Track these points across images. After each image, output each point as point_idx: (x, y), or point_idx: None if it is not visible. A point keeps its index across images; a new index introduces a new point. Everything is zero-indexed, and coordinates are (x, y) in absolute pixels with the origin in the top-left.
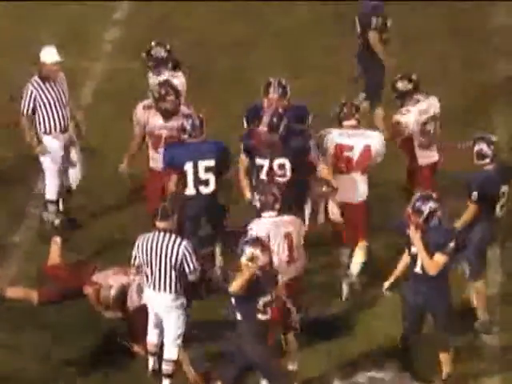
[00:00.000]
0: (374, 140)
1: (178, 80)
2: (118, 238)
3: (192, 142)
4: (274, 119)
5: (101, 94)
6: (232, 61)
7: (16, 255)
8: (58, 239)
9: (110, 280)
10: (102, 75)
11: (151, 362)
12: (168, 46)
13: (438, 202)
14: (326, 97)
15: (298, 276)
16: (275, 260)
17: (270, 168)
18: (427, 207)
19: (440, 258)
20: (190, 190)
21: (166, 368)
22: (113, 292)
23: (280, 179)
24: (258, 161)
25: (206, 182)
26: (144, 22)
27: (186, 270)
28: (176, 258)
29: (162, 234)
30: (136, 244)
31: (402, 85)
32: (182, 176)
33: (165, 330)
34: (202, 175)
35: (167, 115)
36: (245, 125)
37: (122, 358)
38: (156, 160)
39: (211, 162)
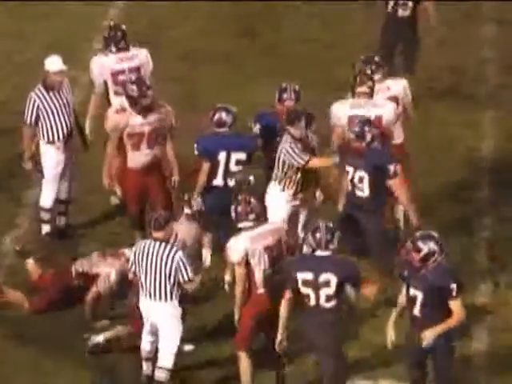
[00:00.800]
0: (385, 110)
1: (144, 54)
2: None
3: (227, 133)
4: (365, 127)
5: (88, 103)
6: (219, 73)
7: (2, 265)
8: (29, 261)
9: (102, 269)
10: (91, 84)
11: (145, 367)
12: (123, 26)
13: (440, 244)
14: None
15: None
16: (256, 275)
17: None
18: (425, 245)
19: (457, 304)
20: (218, 181)
21: (160, 376)
22: (113, 278)
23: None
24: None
25: (234, 175)
26: (132, 31)
27: (181, 279)
28: (170, 268)
29: (157, 243)
30: (133, 250)
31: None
32: (213, 166)
33: (161, 339)
34: (233, 167)
35: (147, 111)
36: (255, 131)
37: (112, 369)
38: (135, 160)
39: (243, 156)
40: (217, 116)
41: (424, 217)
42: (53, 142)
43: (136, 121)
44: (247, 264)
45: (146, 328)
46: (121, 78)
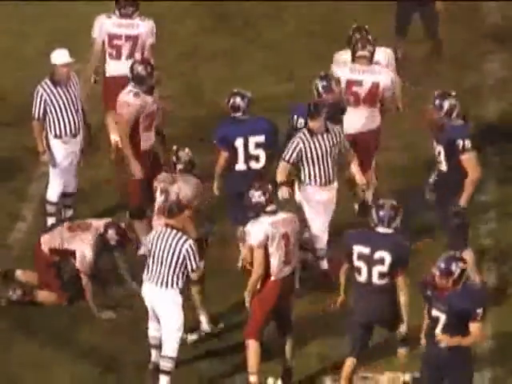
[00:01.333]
0: (383, 76)
1: (148, 26)
2: None
3: (243, 118)
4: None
5: (94, 96)
6: (221, 68)
7: (8, 257)
8: (18, 272)
9: (76, 247)
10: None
11: (153, 355)
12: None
13: (465, 261)
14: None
15: (291, 275)
16: (272, 261)
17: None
18: (457, 267)
19: (477, 327)
20: (241, 166)
21: (164, 365)
22: (89, 256)
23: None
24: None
25: (257, 158)
26: None
27: (188, 267)
28: (179, 255)
29: (169, 230)
30: (151, 233)
31: None
32: (233, 152)
33: (163, 326)
34: (253, 151)
35: (152, 89)
36: (296, 124)
37: (114, 362)
38: (148, 141)
39: (261, 138)
40: (232, 101)
41: None
42: (60, 137)
43: (149, 101)
44: (265, 249)
45: (151, 315)
46: (116, 42)
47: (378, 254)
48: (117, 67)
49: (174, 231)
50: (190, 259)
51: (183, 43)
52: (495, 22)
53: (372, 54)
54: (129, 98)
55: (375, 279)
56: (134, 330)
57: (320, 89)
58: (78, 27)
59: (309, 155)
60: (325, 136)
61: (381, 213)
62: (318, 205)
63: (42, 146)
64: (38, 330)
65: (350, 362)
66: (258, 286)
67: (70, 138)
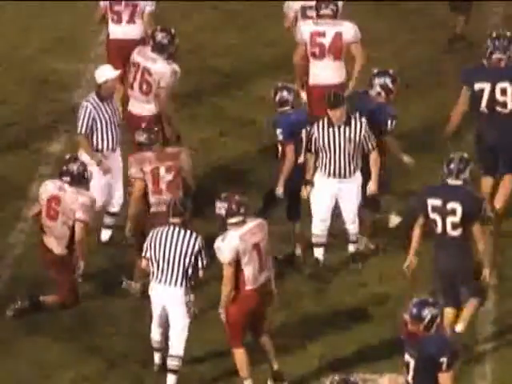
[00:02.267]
0: (345, 28)
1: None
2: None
3: (291, 111)
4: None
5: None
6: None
7: (10, 257)
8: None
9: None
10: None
11: (156, 357)
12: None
13: (438, 307)
14: None
15: (269, 281)
16: (246, 272)
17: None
18: (428, 313)
19: (445, 378)
20: (302, 158)
21: (172, 364)
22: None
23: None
24: (478, 85)
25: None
26: None
27: (199, 264)
28: (192, 252)
29: (176, 228)
30: (149, 237)
31: None
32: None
33: (171, 326)
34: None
35: (172, 57)
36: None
37: (120, 358)
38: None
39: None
40: (278, 96)
41: None
42: (102, 151)
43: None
44: (237, 262)
45: (155, 319)
46: (116, 8)
47: (449, 205)
48: (117, 30)
49: (182, 229)
50: (201, 256)
51: (188, 40)
52: None
53: (335, 12)
54: (166, 64)
55: (449, 230)
56: (137, 329)
57: (277, 99)
58: (83, 23)
59: (321, 144)
60: (342, 129)
61: (450, 165)
62: (324, 193)
63: (96, 156)
64: (43, 330)
65: (448, 313)
66: (235, 294)
67: (110, 152)
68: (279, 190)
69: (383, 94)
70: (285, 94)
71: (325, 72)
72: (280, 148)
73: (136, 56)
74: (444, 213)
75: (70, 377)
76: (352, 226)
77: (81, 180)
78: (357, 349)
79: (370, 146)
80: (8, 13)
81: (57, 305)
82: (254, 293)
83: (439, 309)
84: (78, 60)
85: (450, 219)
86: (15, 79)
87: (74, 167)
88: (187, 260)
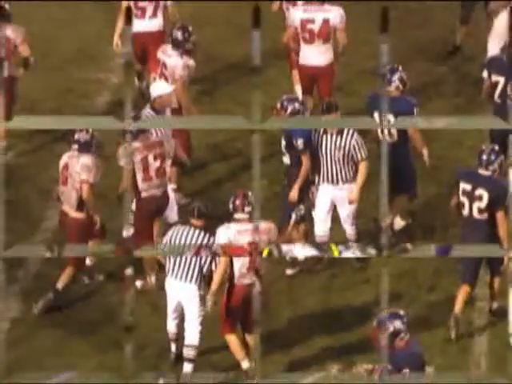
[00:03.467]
0: (333, 13)
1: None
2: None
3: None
4: None
5: (115, 104)
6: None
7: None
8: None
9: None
10: (118, 85)
11: (173, 347)
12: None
13: (405, 320)
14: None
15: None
16: (234, 266)
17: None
18: (392, 325)
19: None
20: None
21: (188, 353)
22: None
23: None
24: (494, 78)
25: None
26: None
27: (213, 266)
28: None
29: (196, 230)
30: (168, 233)
31: None
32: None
33: (186, 317)
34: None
35: (188, 54)
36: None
37: (137, 349)
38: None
39: None
40: (290, 108)
41: None
42: None
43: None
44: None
45: (171, 312)
46: (140, 4)
47: (478, 192)
48: (140, 24)
49: (198, 230)
50: (215, 260)
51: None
52: None
53: None
54: (181, 59)
55: (475, 213)
56: (155, 322)
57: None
58: (103, 33)
59: (317, 148)
60: (334, 137)
61: (482, 156)
62: (322, 197)
63: None
64: (64, 321)
65: (464, 290)
66: (228, 286)
67: None
68: (294, 196)
69: (401, 86)
70: (296, 105)
71: (315, 54)
72: (292, 155)
73: (159, 53)
74: (472, 197)
75: (93, 365)
76: (349, 227)
77: (87, 147)
78: (361, 340)
79: (359, 156)
80: (36, 25)
81: (69, 275)
82: (240, 290)
83: (405, 325)
84: (98, 70)
85: (476, 204)
86: (42, 87)
87: (81, 135)
88: (203, 260)
